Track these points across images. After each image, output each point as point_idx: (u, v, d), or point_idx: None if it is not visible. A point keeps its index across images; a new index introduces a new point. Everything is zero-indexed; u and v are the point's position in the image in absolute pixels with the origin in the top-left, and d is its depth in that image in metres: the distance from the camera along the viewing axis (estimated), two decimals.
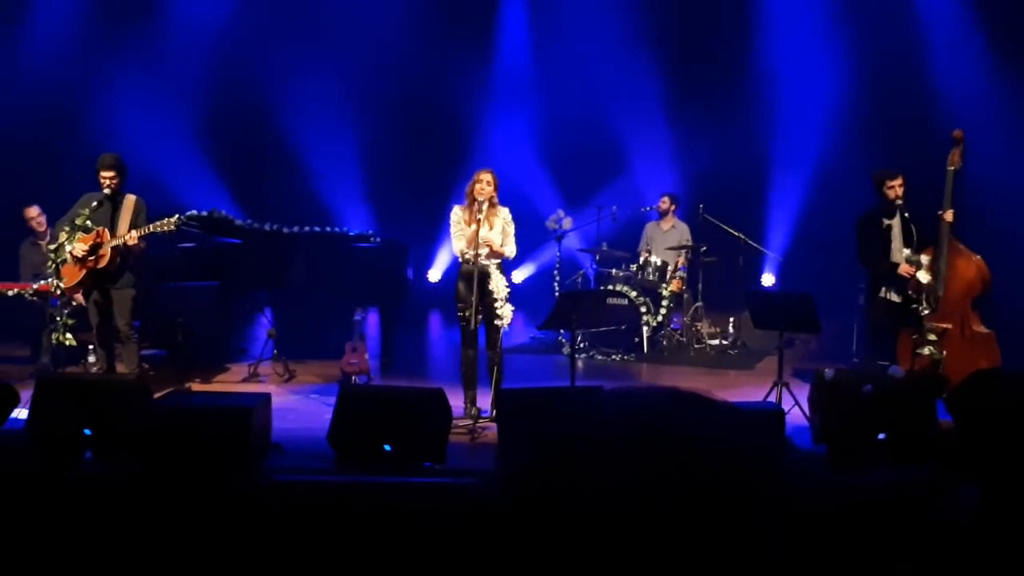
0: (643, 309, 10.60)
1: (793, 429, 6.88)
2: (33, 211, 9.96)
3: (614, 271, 11.20)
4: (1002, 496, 1.51)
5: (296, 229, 10.08)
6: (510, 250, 7.70)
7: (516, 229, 7.83)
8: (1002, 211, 11.15)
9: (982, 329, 8.17)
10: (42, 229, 9.88)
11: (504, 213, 7.71)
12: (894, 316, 8.26)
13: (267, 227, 10.00)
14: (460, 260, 7.76)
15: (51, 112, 12.66)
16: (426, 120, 14.16)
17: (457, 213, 7.71)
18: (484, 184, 7.58)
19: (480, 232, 7.49)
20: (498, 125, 14.22)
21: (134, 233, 7.86)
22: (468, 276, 7.58)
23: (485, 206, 7.55)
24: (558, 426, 0.88)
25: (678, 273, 11.19)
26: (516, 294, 7.95)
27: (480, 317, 7.52)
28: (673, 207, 11.74)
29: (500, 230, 7.63)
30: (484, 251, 7.52)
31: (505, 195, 7.82)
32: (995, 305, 8.63)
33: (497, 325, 7.63)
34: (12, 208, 10.16)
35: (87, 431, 6.23)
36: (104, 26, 13.12)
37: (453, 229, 7.71)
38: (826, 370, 6.72)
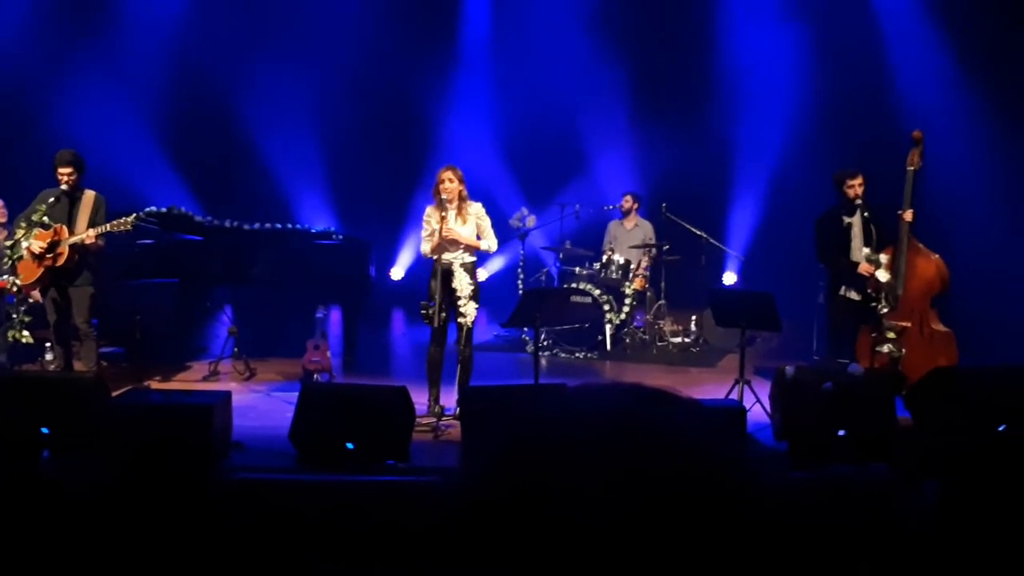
0: (606, 307, 10.63)
1: (754, 426, 6.94)
2: None
3: (578, 269, 11.22)
4: (961, 491, 1.52)
5: (257, 226, 10.00)
6: (487, 244, 7.69)
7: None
8: (960, 211, 11.30)
9: (941, 327, 8.27)
10: (3, 220, 9.70)
11: (476, 208, 7.70)
12: (854, 314, 8.34)
13: (227, 224, 9.92)
14: (432, 259, 7.75)
15: (8, 108, 12.47)
16: (388, 117, 14.10)
17: (429, 213, 7.68)
18: (447, 182, 7.56)
19: (455, 228, 7.49)
20: (461, 123, 14.19)
21: (91, 232, 7.77)
22: (435, 273, 7.58)
23: (454, 204, 7.53)
24: (522, 424, 0.88)
25: (641, 271, 11.23)
26: (480, 292, 7.94)
27: (444, 315, 7.51)
28: (636, 206, 11.78)
29: (473, 226, 7.62)
30: (454, 248, 7.51)
31: (469, 193, 7.80)
32: (953, 304, 8.75)
33: (461, 323, 7.61)
34: None
35: (44, 430, 6.15)
36: (62, 20, 12.95)
37: (424, 231, 7.70)
38: (787, 368, 6.77)
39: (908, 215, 8.14)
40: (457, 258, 7.61)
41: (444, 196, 7.53)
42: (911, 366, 7.75)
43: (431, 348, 7.76)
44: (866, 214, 8.29)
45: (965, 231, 10.87)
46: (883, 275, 8.10)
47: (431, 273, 7.71)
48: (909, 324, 8.13)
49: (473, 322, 7.71)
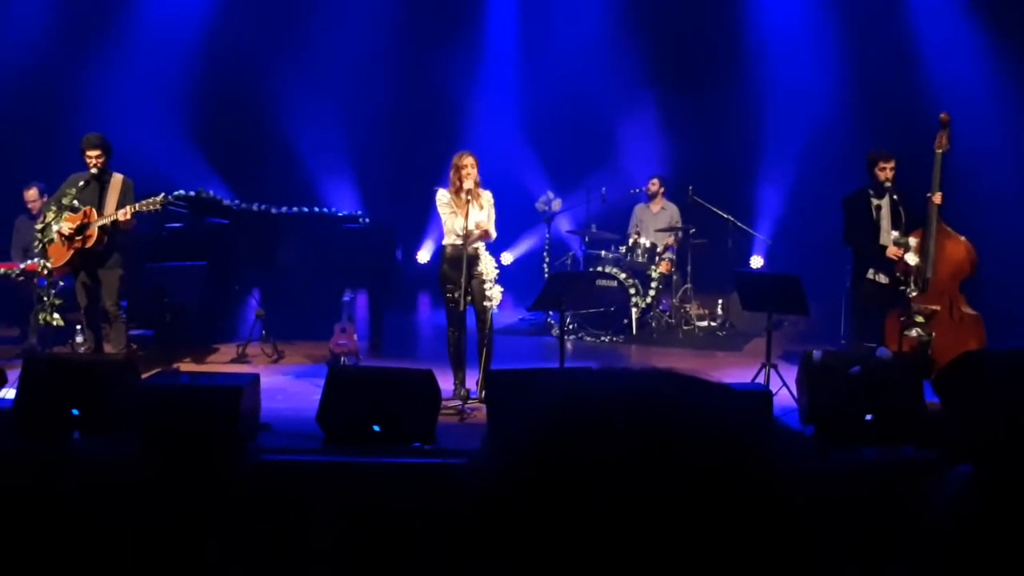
0: (632, 291, 10.60)
1: (781, 410, 6.91)
2: (32, 194, 9.84)
3: (603, 253, 11.20)
4: (994, 476, 1.52)
5: (284, 210, 10.04)
6: (494, 233, 7.71)
7: (506, 210, 7.82)
8: (989, 193, 11.17)
9: (970, 311, 8.21)
10: (37, 211, 9.78)
11: (488, 195, 7.68)
12: (882, 298, 8.29)
13: (255, 207, 9.97)
14: (442, 244, 7.75)
15: (36, 93, 12.55)
16: (414, 102, 14.08)
17: (445, 195, 7.65)
18: (470, 168, 7.53)
19: (471, 214, 7.47)
20: (487, 107, 14.16)
21: (128, 209, 7.83)
22: (453, 259, 7.56)
23: (473, 191, 7.50)
24: (548, 406, 0.88)
25: (667, 255, 11.19)
26: (505, 275, 7.94)
27: (469, 298, 7.51)
28: (662, 189, 11.74)
29: (487, 213, 7.61)
30: (476, 232, 7.51)
31: (494, 177, 7.79)
32: (982, 287, 8.67)
33: (486, 306, 7.62)
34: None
35: (75, 411, 6.21)
36: (90, 4, 13.00)
37: (444, 211, 7.65)
38: (814, 352, 6.73)
39: (937, 198, 8.08)
40: (480, 243, 7.62)
41: (467, 182, 7.49)
42: (941, 350, 7.70)
43: (451, 332, 7.78)
44: (895, 197, 8.23)
45: (994, 213, 10.76)
46: (912, 258, 8.05)
47: (443, 258, 7.71)
48: (939, 307, 8.07)
49: (499, 305, 7.74)
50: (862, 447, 6.09)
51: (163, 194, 8.15)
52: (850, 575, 0.83)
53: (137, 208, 7.88)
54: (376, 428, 6.18)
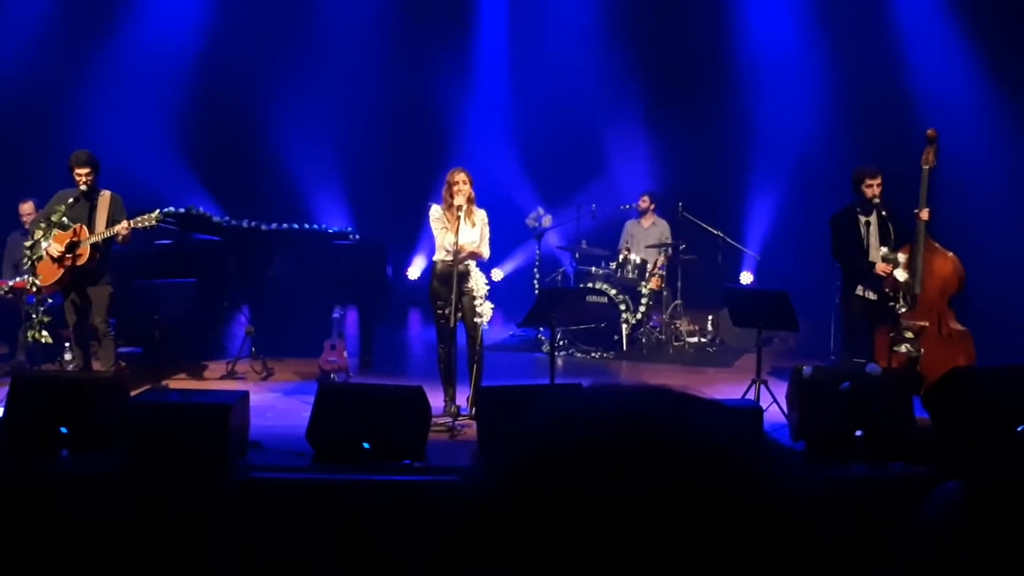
0: (622, 307, 10.61)
1: (771, 426, 6.91)
2: (27, 207, 9.80)
3: (594, 269, 11.21)
4: (983, 491, 1.52)
5: (274, 226, 10.03)
6: (486, 252, 7.70)
7: (496, 226, 7.82)
8: (976, 209, 11.22)
9: (958, 326, 8.23)
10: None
11: (482, 214, 7.68)
12: (871, 314, 8.31)
13: (245, 224, 9.96)
14: (433, 260, 7.76)
15: (25, 109, 12.51)
16: (405, 118, 14.10)
17: (438, 211, 7.66)
18: (462, 184, 7.53)
19: (462, 231, 7.47)
20: (477, 123, 14.18)
21: (127, 223, 7.81)
22: (444, 276, 7.56)
23: (464, 207, 7.50)
24: (539, 423, 0.88)
25: (657, 271, 11.20)
26: (496, 291, 7.94)
27: (459, 315, 7.51)
28: (653, 205, 11.76)
29: (479, 231, 7.61)
30: (466, 249, 7.52)
31: (485, 193, 7.78)
32: (970, 303, 8.70)
33: (477, 323, 7.61)
34: None
35: (63, 429, 6.18)
36: (80, 20, 12.99)
37: (436, 226, 7.65)
38: (804, 367, 6.74)
39: (924, 214, 8.12)
40: (471, 260, 7.62)
41: (458, 199, 7.50)
42: (929, 366, 7.71)
43: (441, 348, 7.77)
44: (883, 213, 8.26)
45: (981, 229, 10.81)
46: (901, 274, 8.07)
47: (433, 275, 7.72)
48: (927, 323, 8.10)
49: (489, 321, 7.73)
50: (852, 463, 6.09)
51: (158, 211, 8.14)
52: None
53: (133, 225, 7.86)
54: (366, 445, 6.16)
